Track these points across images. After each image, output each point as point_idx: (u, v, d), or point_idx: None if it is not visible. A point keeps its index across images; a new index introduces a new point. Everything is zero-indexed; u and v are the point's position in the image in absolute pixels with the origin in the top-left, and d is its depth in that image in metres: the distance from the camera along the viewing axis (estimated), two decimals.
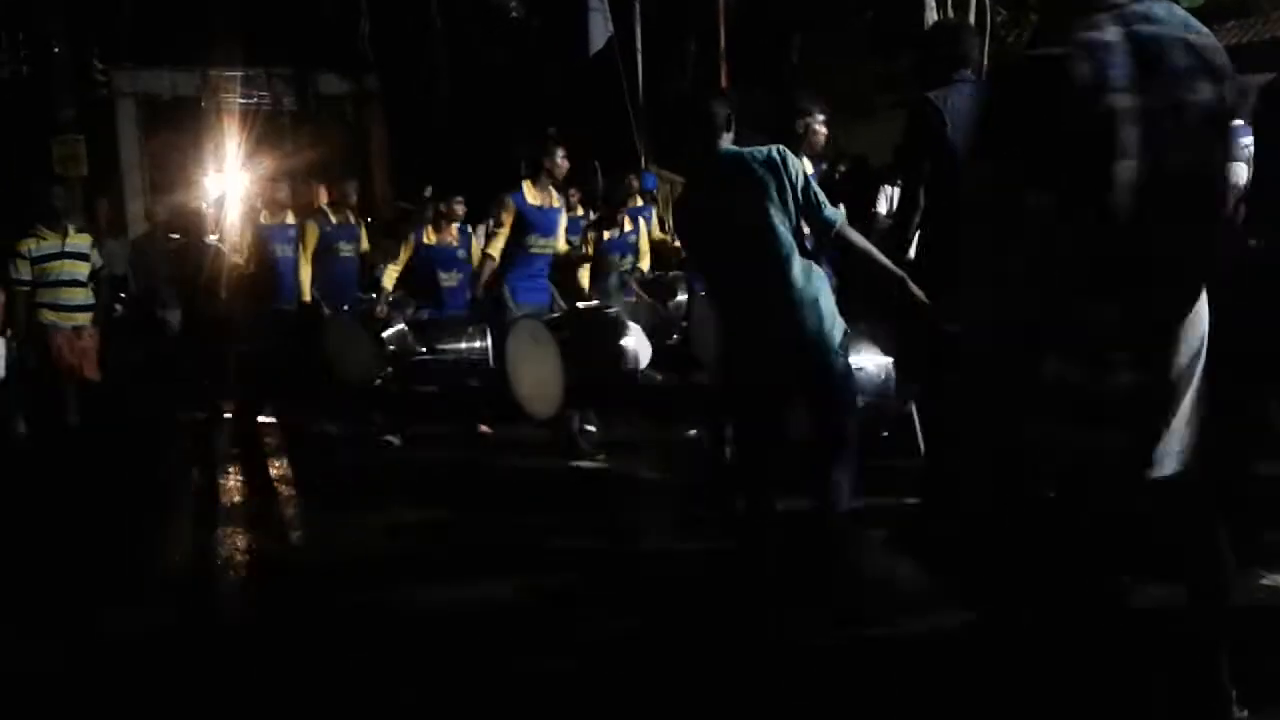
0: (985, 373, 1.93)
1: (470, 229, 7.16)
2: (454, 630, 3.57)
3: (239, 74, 15.80)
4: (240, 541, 4.75)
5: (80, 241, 6.46)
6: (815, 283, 3.42)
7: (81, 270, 6.41)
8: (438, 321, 6.41)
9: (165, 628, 3.73)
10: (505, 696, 3.08)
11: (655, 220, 7.98)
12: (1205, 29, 2.39)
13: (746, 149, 3.40)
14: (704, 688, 3.05)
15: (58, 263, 6.30)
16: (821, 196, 3.38)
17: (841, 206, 4.77)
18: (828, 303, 3.45)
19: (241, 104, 15.66)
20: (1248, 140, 4.37)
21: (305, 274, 7.06)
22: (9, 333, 6.52)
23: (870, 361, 4.27)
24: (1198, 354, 2.37)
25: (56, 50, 15.03)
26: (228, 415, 7.37)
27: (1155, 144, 1.72)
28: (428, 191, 7.99)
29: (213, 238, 7.87)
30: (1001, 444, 1.90)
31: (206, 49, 15.15)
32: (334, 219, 7.21)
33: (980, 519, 2.08)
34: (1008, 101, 1.84)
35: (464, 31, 15.94)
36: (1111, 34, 1.74)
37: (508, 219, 6.02)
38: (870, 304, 4.00)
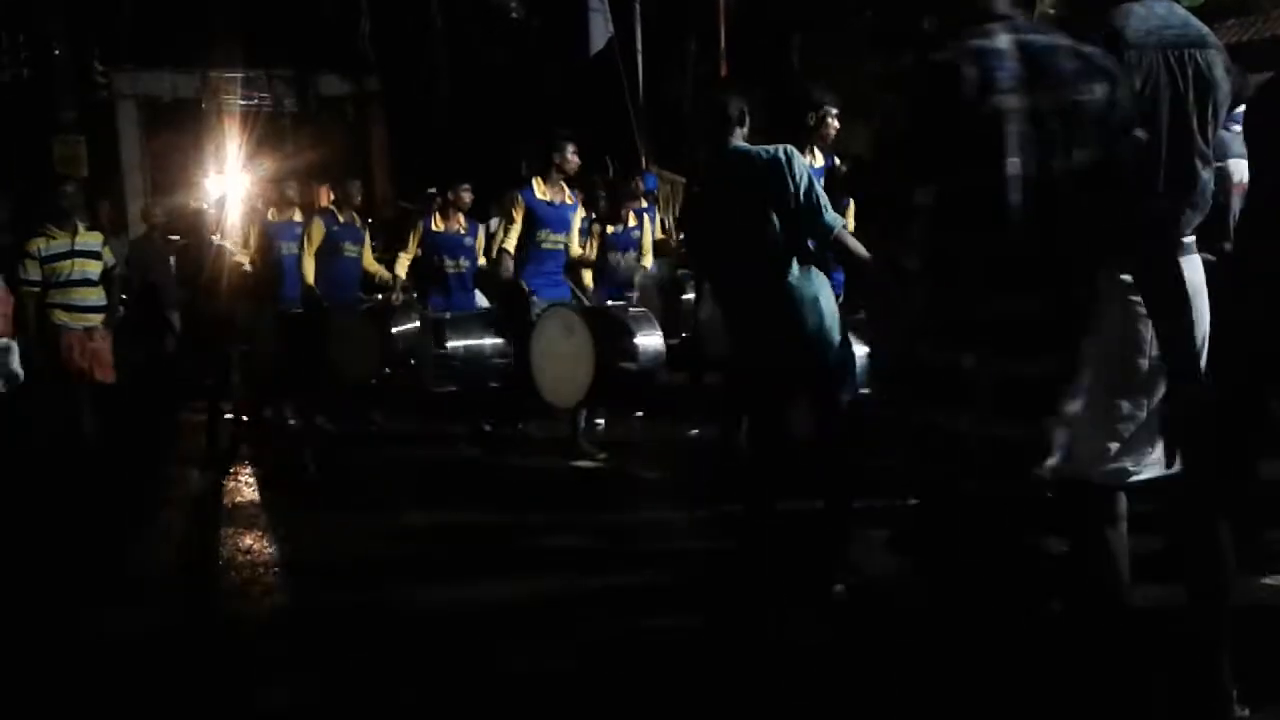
0: (897, 361, 2.03)
1: (478, 222, 7.20)
2: (454, 630, 3.57)
3: (239, 75, 15.81)
4: (240, 541, 4.75)
5: (91, 239, 6.33)
6: (814, 281, 3.43)
7: (93, 269, 6.27)
8: (455, 319, 6.42)
9: (165, 628, 3.73)
10: (505, 696, 3.08)
11: (657, 219, 7.99)
12: (1206, 28, 2.40)
13: (755, 147, 3.42)
14: (704, 688, 3.04)
15: (68, 262, 6.16)
16: (823, 200, 3.37)
17: (852, 202, 4.78)
18: (828, 301, 3.45)
19: (242, 105, 15.67)
20: None
21: (308, 267, 7.07)
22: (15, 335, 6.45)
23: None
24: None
25: (57, 52, 15.06)
26: (229, 415, 7.36)
27: (1044, 143, 1.80)
28: (431, 190, 8.01)
29: (215, 238, 7.86)
30: (916, 431, 1.97)
31: (207, 50, 15.17)
32: (340, 218, 7.24)
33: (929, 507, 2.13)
34: (900, 103, 1.94)
35: (464, 32, 15.94)
36: (1002, 41, 1.84)
37: (518, 214, 6.03)
38: (869, 306, 4.01)
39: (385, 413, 7.42)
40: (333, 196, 7.58)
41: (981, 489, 1.94)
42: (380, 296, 7.37)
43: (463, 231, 6.74)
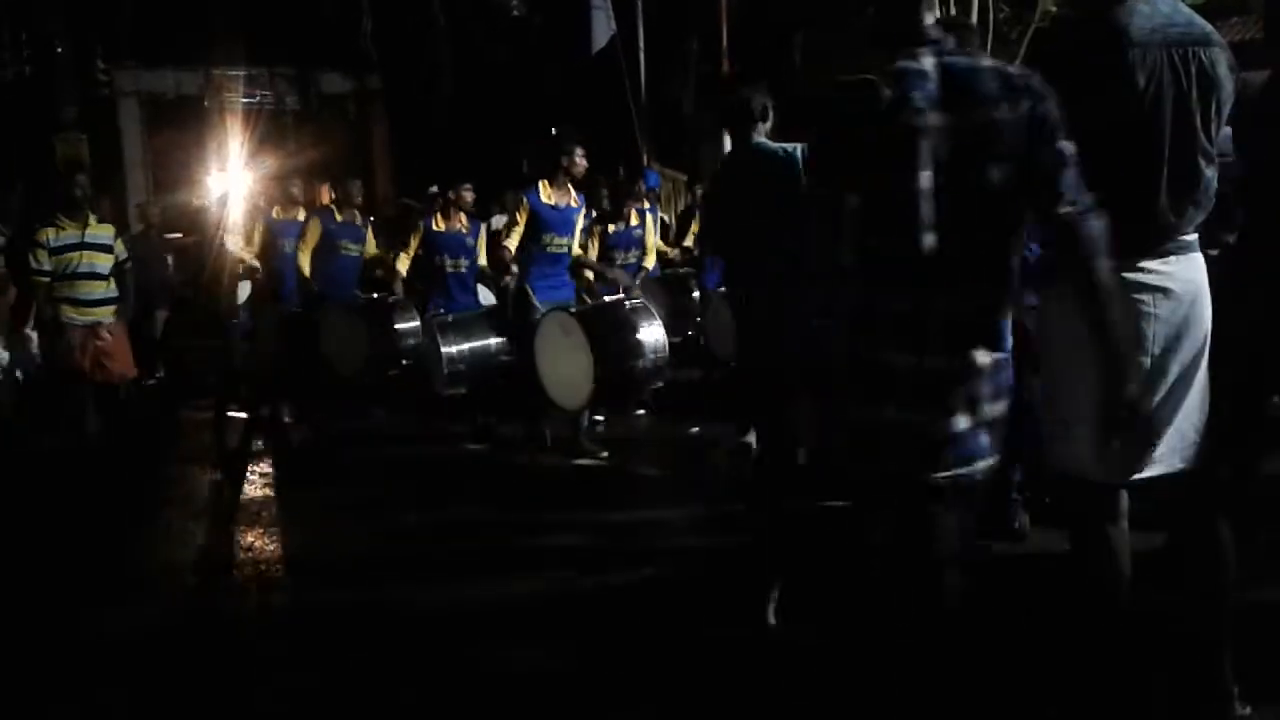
0: (818, 351, 2.26)
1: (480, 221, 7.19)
2: (454, 630, 3.57)
3: (241, 73, 15.83)
4: (241, 540, 4.75)
5: (102, 232, 6.08)
6: None
7: (102, 262, 6.02)
8: (459, 320, 6.41)
9: (165, 627, 3.73)
10: (505, 696, 3.07)
11: (659, 217, 7.98)
12: (1210, 26, 2.39)
13: (775, 144, 3.44)
14: (706, 686, 3.04)
15: (77, 254, 5.91)
16: None
17: None
18: None
19: (244, 103, 15.68)
20: None
21: (303, 264, 7.03)
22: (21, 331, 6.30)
23: None
24: (1199, 352, 2.38)
25: (59, 50, 15.07)
26: (229, 414, 7.37)
27: (958, 159, 1.99)
28: (433, 189, 8.00)
29: (219, 237, 7.86)
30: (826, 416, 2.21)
31: (209, 48, 15.18)
32: (339, 217, 7.20)
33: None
34: (827, 116, 2.14)
35: (466, 30, 15.93)
36: (927, 63, 2.03)
37: (522, 217, 5.99)
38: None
39: (387, 412, 7.42)
40: (333, 195, 7.55)
41: (906, 479, 2.09)
42: (376, 296, 7.33)
43: (464, 231, 6.73)
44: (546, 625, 3.60)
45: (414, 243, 6.75)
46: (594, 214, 6.92)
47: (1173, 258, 2.35)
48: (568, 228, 6.11)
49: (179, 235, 10.48)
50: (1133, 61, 2.28)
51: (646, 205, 7.24)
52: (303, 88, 16.37)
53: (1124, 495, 2.43)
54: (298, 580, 4.21)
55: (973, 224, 2.02)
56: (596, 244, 6.59)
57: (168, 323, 9.27)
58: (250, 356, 7.82)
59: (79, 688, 3.28)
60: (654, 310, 5.80)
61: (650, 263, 6.89)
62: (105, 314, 6.03)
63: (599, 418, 6.39)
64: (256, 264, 7.42)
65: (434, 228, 6.66)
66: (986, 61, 2.07)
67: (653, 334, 5.64)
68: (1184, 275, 2.36)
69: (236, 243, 7.60)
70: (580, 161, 6.06)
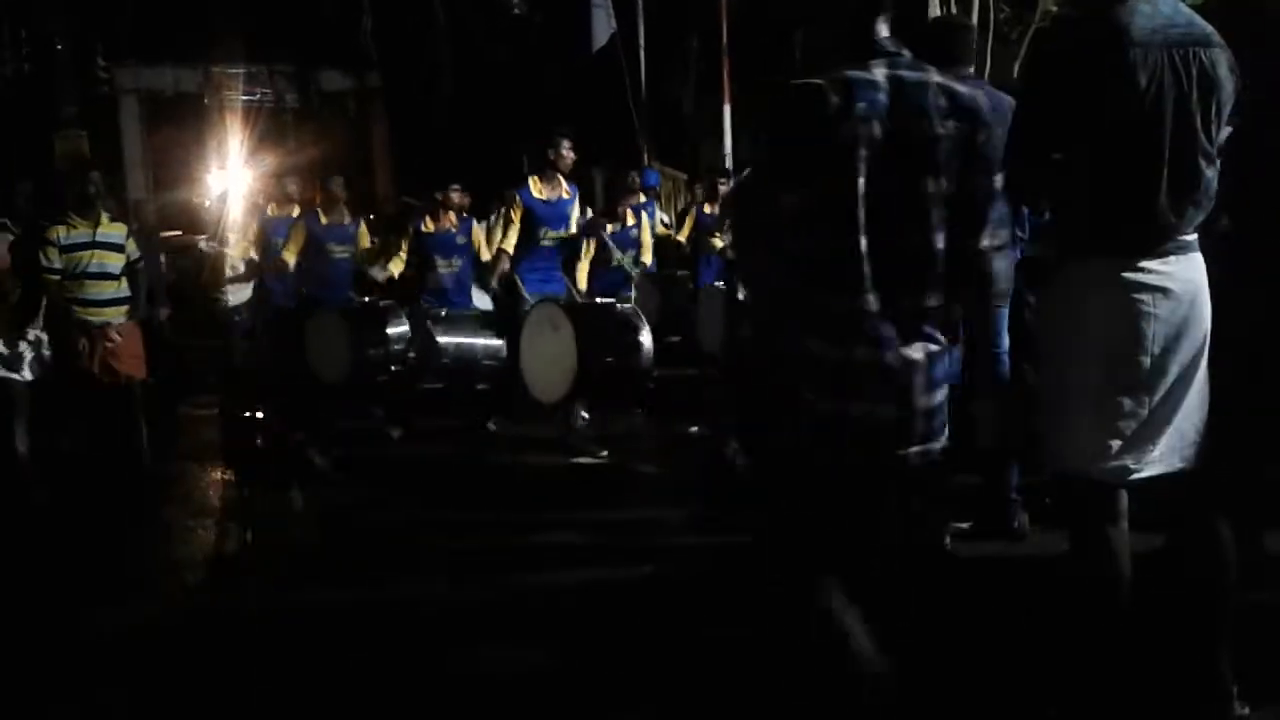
0: (763, 344, 2.29)
1: (474, 220, 7.19)
2: (454, 629, 3.57)
3: (241, 71, 15.83)
4: (239, 539, 4.75)
5: (114, 231, 5.94)
6: None
7: (113, 262, 5.89)
8: (451, 317, 6.40)
9: (164, 627, 3.73)
10: (505, 695, 3.07)
11: (657, 216, 7.98)
12: (1210, 27, 2.39)
13: None
14: (705, 686, 3.04)
15: (87, 253, 5.79)
16: None
17: None
18: None
19: (244, 101, 15.69)
20: None
21: (286, 266, 6.96)
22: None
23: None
24: (1199, 352, 2.38)
25: (59, 47, 15.07)
26: (229, 413, 7.37)
27: (898, 168, 2.04)
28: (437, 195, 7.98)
29: (207, 238, 7.86)
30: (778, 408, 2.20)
31: (209, 46, 15.19)
32: (324, 219, 7.01)
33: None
34: (772, 117, 2.16)
35: (466, 28, 15.93)
36: (878, 74, 2.06)
37: (517, 215, 6.08)
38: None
39: (385, 412, 7.41)
40: (319, 197, 7.41)
41: (862, 466, 2.14)
42: (369, 299, 7.26)
43: (454, 230, 6.72)
44: (546, 624, 3.60)
45: (404, 248, 6.76)
46: (588, 211, 6.95)
47: (1172, 258, 2.35)
48: (562, 220, 6.23)
49: (178, 233, 10.48)
50: (1134, 61, 2.28)
51: (643, 199, 7.24)
52: (302, 85, 16.37)
53: (1124, 495, 2.43)
54: (297, 580, 4.21)
55: (905, 229, 2.07)
56: (594, 243, 6.59)
57: (168, 321, 9.26)
58: (250, 356, 7.82)
59: (79, 688, 3.28)
60: (643, 317, 5.82)
61: (647, 260, 6.90)
62: (116, 314, 5.90)
63: (584, 415, 6.37)
64: (257, 260, 7.41)
65: (422, 230, 6.67)
66: (937, 77, 2.11)
67: (641, 338, 5.65)
68: (1184, 275, 2.36)
69: (235, 241, 7.60)
70: (567, 154, 6.16)
